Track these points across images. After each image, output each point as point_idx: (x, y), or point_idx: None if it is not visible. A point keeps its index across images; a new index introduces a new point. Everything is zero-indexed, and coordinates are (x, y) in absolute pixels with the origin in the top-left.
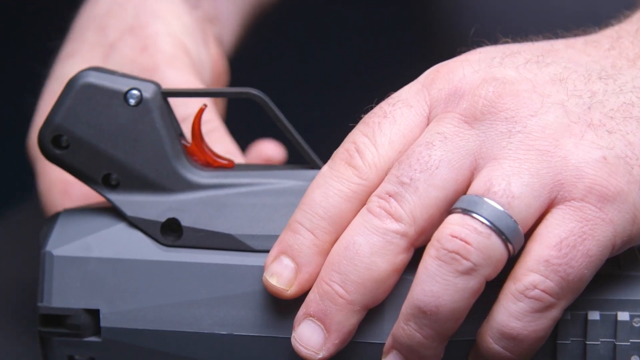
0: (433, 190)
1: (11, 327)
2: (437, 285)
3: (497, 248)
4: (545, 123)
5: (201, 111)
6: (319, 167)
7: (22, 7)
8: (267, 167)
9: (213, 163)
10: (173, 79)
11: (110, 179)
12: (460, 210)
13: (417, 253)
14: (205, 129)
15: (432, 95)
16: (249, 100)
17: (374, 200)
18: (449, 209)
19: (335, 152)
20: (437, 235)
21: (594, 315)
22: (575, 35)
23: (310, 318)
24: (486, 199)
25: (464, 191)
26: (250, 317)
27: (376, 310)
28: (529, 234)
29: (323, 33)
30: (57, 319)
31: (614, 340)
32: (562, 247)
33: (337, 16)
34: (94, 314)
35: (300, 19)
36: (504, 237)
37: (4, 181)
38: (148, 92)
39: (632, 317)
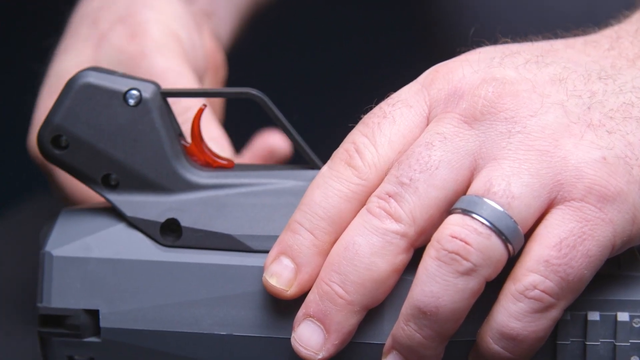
0: (433, 191)
1: (11, 327)
2: (437, 286)
3: (497, 248)
4: (544, 123)
5: (201, 111)
6: (318, 167)
7: (21, 7)
8: (266, 167)
9: (213, 163)
10: (160, 66)
11: (109, 179)
12: (460, 210)
13: (417, 253)
14: (189, 114)
15: (431, 95)
16: (248, 100)
17: (373, 201)
18: (448, 210)
19: (334, 153)
20: (437, 235)
21: (594, 316)
22: (575, 35)
23: (310, 318)
24: (486, 200)
25: (464, 191)
26: (250, 317)
27: (376, 311)
28: (528, 234)
29: (323, 33)
30: (57, 319)
31: (613, 340)
32: (562, 247)
33: (337, 16)
34: (94, 314)
35: (300, 18)
36: (503, 237)
37: (4, 181)
38: (147, 92)
39: (632, 317)
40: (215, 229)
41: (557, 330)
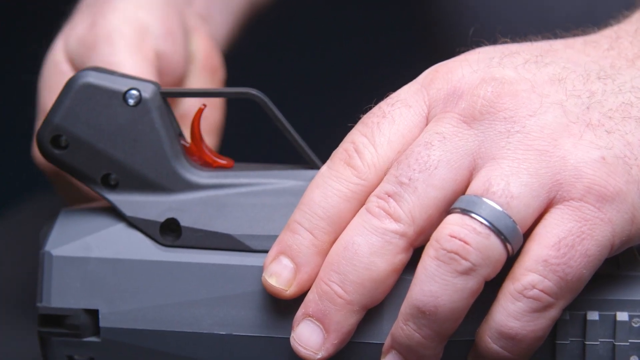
0: (432, 190)
1: (11, 327)
2: (436, 285)
3: (496, 248)
4: (544, 123)
5: (200, 111)
6: (318, 167)
7: (22, 8)
8: (266, 167)
9: (212, 163)
10: (106, 58)
11: (109, 179)
12: (459, 210)
13: (416, 253)
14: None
15: (430, 95)
16: (248, 100)
17: (372, 201)
18: (448, 209)
19: (334, 152)
20: (436, 235)
21: (593, 316)
22: (574, 35)
23: (309, 318)
24: (485, 199)
25: (463, 191)
26: (249, 317)
27: (375, 311)
28: (527, 233)
29: (323, 33)
30: (57, 319)
31: (613, 340)
32: (561, 247)
33: (336, 16)
34: (94, 314)
35: (300, 19)
36: (502, 237)
37: (4, 181)
38: (147, 92)
39: (631, 317)
40: (215, 229)
41: (556, 329)
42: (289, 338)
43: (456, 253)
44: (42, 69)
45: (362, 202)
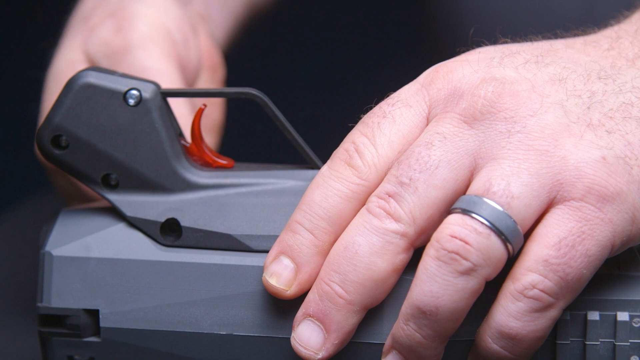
0: (432, 191)
1: (11, 327)
2: (437, 286)
3: (496, 248)
4: (544, 123)
5: (200, 111)
6: (318, 167)
7: (23, 10)
8: (266, 167)
9: (212, 163)
10: (142, 63)
11: (109, 179)
12: (459, 210)
13: (416, 253)
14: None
15: (431, 95)
16: (249, 100)
17: (373, 201)
18: (448, 209)
19: (334, 152)
20: (436, 235)
21: (594, 316)
22: (575, 35)
23: (310, 318)
24: (485, 199)
25: (464, 191)
26: (249, 317)
27: (376, 311)
28: (528, 233)
29: (323, 33)
30: (57, 319)
31: (613, 340)
32: (561, 247)
33: (337, 16)
34: (94, 314)
35: (300, 19)
36: (503, 237)
37: (4, 181)
38: (147, 92)
39: (631, 317)
40: (215, 229)
41: (556, 329)
42: (289, 338)
43: (457, 253)
44: (51, 69)
45: (363, 202)
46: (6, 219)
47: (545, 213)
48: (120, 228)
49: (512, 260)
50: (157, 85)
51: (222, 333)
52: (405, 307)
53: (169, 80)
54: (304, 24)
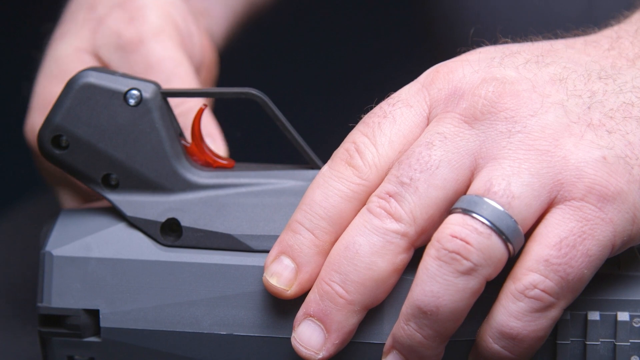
0: (433, 190)
1: (11, 327)
2: (437, 285)
3: (497, 248)
4: (545, 123)
5: (201, 111)
6: (318, 167)
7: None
8: (267, 167)
9: (213, 163)
10: (157, 52)
11: (109, 179)
12: (460, 210)
13: (417, 253)
14: (182, 108)
15: (431, 95)
16: (248, 100)
17: (374, 200)
18: (449, 209)
19: (335, 152)
20: (437, 235)
21: (594, 316)
22: (575, 35)
23: (310, 318)
24: (486, 199)
25: (464, 191)
26: (250, 317)
27: (376, 311)
28: (528, 233)
29: (323, 33)
30: (57, 319)
31: (613, 340)
32: (562, 246)
33: (337, 16)
34: (94, 314)
35: (300, 18)
36: (504, 237)
37: (4, 181)
38: (148, 92)
39: (632, 317)
40: (215, 229)
41: (557, 329)
42: (289, 338)
43: (457, 253)
44: (51, 53)
45: (363, 202)
46: (6, 219)
47: (546, 213)
48: (121, 228)
49: (512, 260)
50: (157, 85)
51: (222, 333)
52: (406, 307)
53: (185, 70)
54: (304, 23)
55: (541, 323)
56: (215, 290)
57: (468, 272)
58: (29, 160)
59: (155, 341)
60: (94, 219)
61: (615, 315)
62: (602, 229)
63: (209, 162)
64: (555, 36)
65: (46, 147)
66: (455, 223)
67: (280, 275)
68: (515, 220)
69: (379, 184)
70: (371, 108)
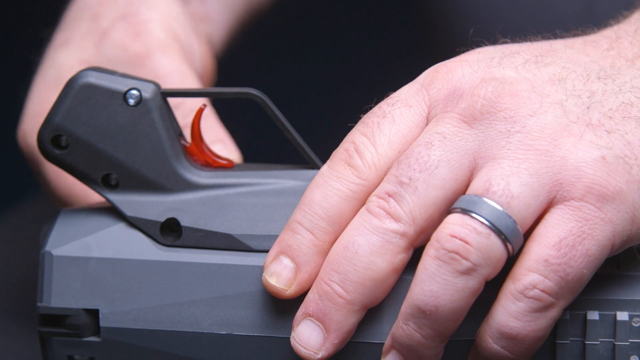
0: (432, 190)
1: (11, 327)
2: (437, 285)
3: (496, 248)
4: (544, 123)
5: (200, 111)
6: (318, 167)
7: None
8: (266, 167)
9: (212, 163)
10: (165, 66)
11: (109, 179)
12: (459, 210)
13: (416, 253)
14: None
15: (431, 95)
16: (248, 100)
17: (373, 200)
18: (448, 209)
19: (334, 152)
20: (436, 235)
21: (593, 315)
22: (574, 35)
23: (310, 318)
24: (485, 199)
25: (463, 191)
26: (249, 317)
27: (375, 310)
28: (528, 233)
29: (323, 33)
30: (57, 319)
31: (613, 340)
32: (562, 246)
33: (337, 16)
34: (94, 314)
35: (300, 19)
36: (503, 237)
37: (4, 181)
38: (147, 92)
39: (631, 317)
40: (215, 229)
41: (556, 329)
42: (289, 338)
43: (457, 253)
44: (52, 62)
45: (363, 202)
46: (6, 219)
47: (545, 213)
48: (120, 228)
49: (512, 260)
50: (157, 85)
51: (222, 333)
52: (405, 307)
53: (191, 82)
54: (304, 23)
55: (541, 323)
56: (215, 290)
57: (467, 272)
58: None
59: (155, 341)
60: (93, 219)
61: (615, 315)
62: (601, 229)
63: (208, 162)
64: (555, 36)
65: (46, 147)
66: (454, 223)
67: (280, 275)
68: (514, 220)
69: (378, 183)
70: (370, 108)
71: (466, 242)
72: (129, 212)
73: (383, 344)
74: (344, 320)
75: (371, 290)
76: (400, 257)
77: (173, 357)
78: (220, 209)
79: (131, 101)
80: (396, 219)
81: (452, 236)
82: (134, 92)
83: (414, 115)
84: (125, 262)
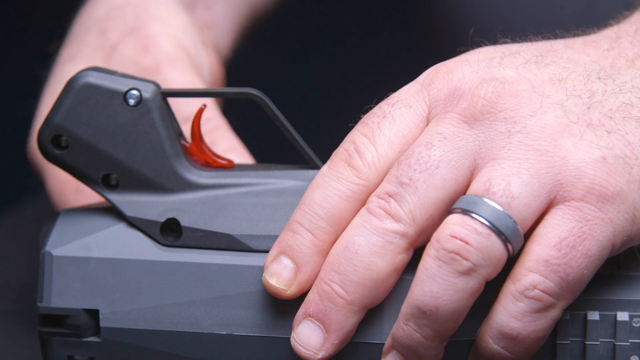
0: (432, 191)
1: (11, 327)
2: (437, 286)
3: (496, 248)
4: (544, 123)
5: (200, 111)
6: (318, 167)
7: (24, 11)
8: (266, 167)
9: (212, 163)
10: (175, 80)
11: (109, 179)
12: (459, 210)
13: (416, 253)
14: (208, 126)
15: (431, 95)
16: (249, 100)
17: (373, 201)
18: (448, 209)
19: (334, 152)
20: (436, 235)
21: (594, 316)
22: (575, 35)
23: (310, 318)
24: (486, 199)
25: (464, 191)
26: (249, 317)
27: (376, 311)
28: (528, 234)
29: (323, 33)
30: (57, 319)
31: (613, 340)
32: (562, 247)
33: (337, 17)
34: (94, 314)
35: (300, 19)
36: (503, 237)
37: (4, 181)
38: (147, 92)
39: (631, 317)
40: (215, 229)
41: (557, 329)
42: (289, 338)
43: (457, 253)
44: (60, 75)
45: (363, 202)
46: (6, 219)
47: (546, 213)
48: (120, 228)
49: (512, 260)
50: (157, 85)
51: (222, 333)
52: (405, 307)
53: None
54: (304, 24)
55: (541, 323)
56: (215, 290)
57: (467, 272)
58: (30, 164)
59: (155, 341)
60: (93, 219)
61: (615, 315)
62: (601, 229)
63: (208, 162)
64: (555, 36)
65: (46, 147)
66: (454, 223)
67: (280, 275)
68: (514, 221)
69: (379, 184)
70: (371, 108)
71: (466, 243)
72: (129, 212)
73: (383, 344)
74: (344, 320)
75: (371, 290)
76: (400, 258)
77: (173, 357)
78: (220, 209)
79: (131, 101)
80: (396, 219)
81: (452, 236)
82: (134, 92)
83: (414, 116)
84: (125, 262)
